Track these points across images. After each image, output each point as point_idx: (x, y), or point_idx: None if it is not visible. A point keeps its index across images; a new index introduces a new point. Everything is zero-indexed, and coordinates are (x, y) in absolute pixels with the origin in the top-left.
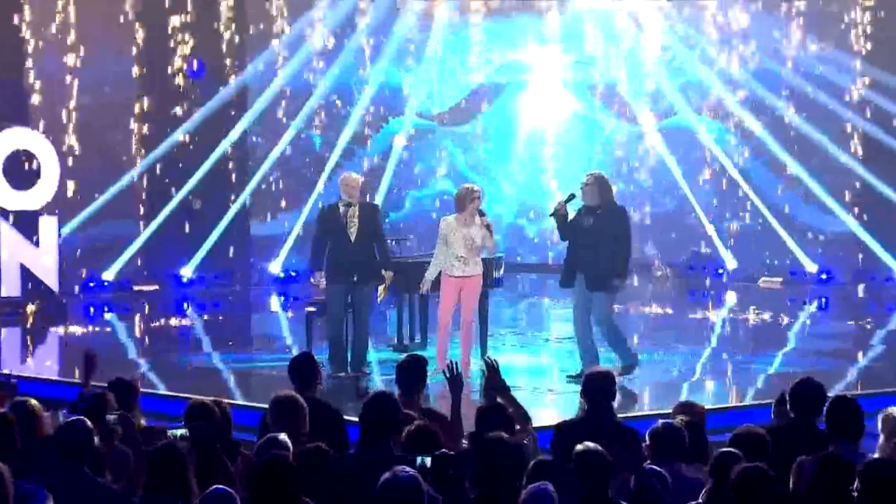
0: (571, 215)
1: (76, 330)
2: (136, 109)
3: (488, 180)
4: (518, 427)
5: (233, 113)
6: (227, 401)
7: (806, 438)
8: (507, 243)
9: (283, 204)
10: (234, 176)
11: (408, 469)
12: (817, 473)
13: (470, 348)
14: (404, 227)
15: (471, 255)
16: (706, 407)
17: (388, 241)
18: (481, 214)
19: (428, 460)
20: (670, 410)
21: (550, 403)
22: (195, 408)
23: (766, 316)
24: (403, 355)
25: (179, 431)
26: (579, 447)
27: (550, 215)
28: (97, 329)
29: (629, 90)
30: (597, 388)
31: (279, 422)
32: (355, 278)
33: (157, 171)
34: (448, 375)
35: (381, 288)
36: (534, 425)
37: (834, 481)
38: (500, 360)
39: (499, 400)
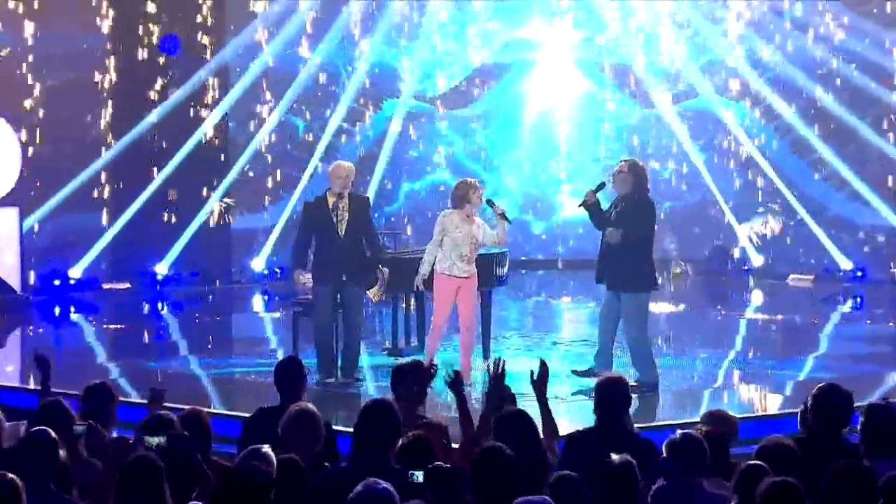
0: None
1: (40, 332)
2: (105, 90)
3: (489, 170)
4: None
5: (212, 95)
6: (206, 410)
7: (834, 451)
8: (511, 239)
9: (268, 195)
10: (213, 164)
11: (381, 482)
12: (833, 485)
13: (471, 352)
14: (396, 222)
15: (473, 255)
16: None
17: (381, 235)
18: (491, 204)
19: (421, 475)
20: (690, 420)
21: (559, 412)
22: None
23: (796, 316)
24: (399, 360)
25: (156, 440)
26: (607, 459)
27: (580, 206)
28: (63, 331)
29: (645, 70)
30: (609, 395)
31: (294, 437)
32: (344, 277)
33: (129, 159)
34: (447, 380)
35: (374, 288)
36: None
37: (852, 495)
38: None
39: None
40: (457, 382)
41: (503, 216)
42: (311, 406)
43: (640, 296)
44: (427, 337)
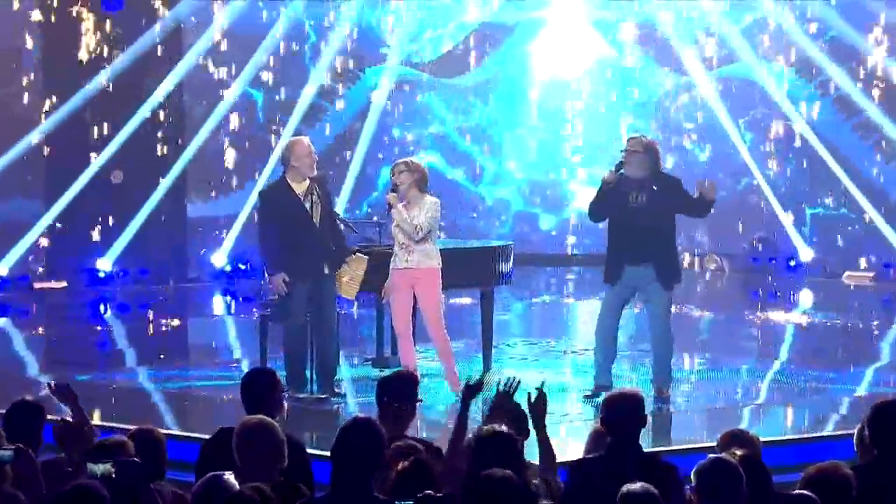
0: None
1: None
2: (36, 56)
3: (490, 152)
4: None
5: (162, 61)
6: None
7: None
8: (516, 235)
9: (229, 179)
10: (164, 142)
11: None
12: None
13: (450, 358)
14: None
15: (413, 243)
16: (772, 439)
17: (365, 225)
18: (394, 189)
19: None
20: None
21: (569, 433)
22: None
23: (853, 320)
24: (386, 371)
25: (101, 468)
26: (625, 489)
27: (601, 189)
28: None
29: (674, 30)
30: (620, 413)
31: (248, 456)
32: (326, 270)
33: (64, 136)
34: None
35: (344, 280)
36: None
37: None
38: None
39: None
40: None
41: (388, 206)
42: (264, 418)
43: (674, 290)
44: (399, 349)
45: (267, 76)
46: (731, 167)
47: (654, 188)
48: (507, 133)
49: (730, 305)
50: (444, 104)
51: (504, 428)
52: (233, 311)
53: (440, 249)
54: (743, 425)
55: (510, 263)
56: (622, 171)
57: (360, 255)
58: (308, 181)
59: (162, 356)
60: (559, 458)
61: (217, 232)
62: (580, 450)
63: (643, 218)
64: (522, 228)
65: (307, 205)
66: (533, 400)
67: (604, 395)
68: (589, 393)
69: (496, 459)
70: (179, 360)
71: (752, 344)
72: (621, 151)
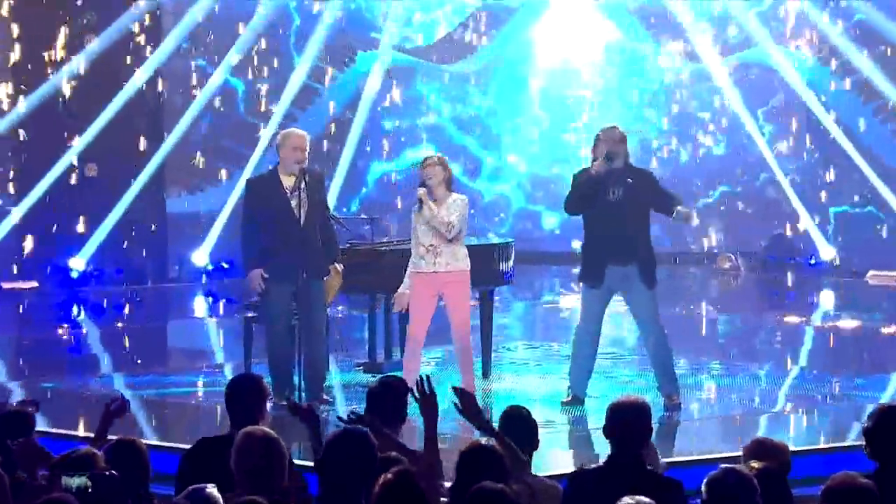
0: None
1: None
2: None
3: (489, 146)
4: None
5: (141, 46)
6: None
7: None
8: (517, 232)
9: (212, 173)
10: (142, 134)
11: None
12: None
13: (470, 370)
14: (366, 211)
15: (442, 244)
16: (792, 449)
17: (357, 221)
18: (422, 185)
19: None
20: (739, 452)
21: (569, 443)
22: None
23: (879, 323)
24: (377, 377)
25: (76, 481)
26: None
27: (587, 181)
28: None
29: (688, 13)
30: (625, 423)
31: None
32: (305, 274)
33: (35, 126)
34: (417, 396)
35: (328, 287)
36: (547, 473)
37: None
38: (506, 384)
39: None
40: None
41: (419, 202)
42: (268, 430)
43: (656, 288)
44: (405, 355)
45: (249, 63)
46: (748, 161)
47: (630, 181)
48: (508, 124)
49: (746, 307)
50: (439, 93)
51: (490, 441)
52: (215, 312)
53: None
54: (759, 435)
55: (511, 262)
56: (610, 162)
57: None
58: (295, 176)
59: (139, 361)
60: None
61: (198, 229)
62: (562, 458)
63: (623, 214)
64: (524, 225)
65: (293, 201)
66: (459, 406)
67: (610, 403)
68: (566, 400)
69: (481, 473)
70: (158, 365)
71: (769, 348)
72: (601, 141)
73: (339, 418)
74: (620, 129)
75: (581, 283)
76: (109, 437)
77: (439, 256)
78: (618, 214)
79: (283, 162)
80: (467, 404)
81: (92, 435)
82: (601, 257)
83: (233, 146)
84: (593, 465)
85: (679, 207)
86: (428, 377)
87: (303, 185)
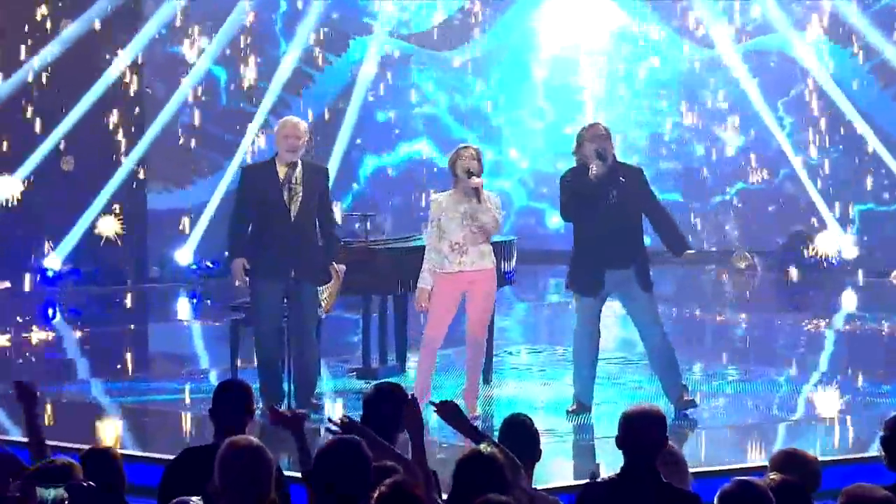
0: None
1: None
2: None
3: (489, 139)
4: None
5: (120, 31)
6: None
7: None
8: (519, 229)
9: (196, 166)
10: (122, 125)
11: None
12: None
13: (478, 374)
14: (361, 206)
15: (475, 242)
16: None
17: (351, 218)
18: (469, 176)
19: None
20: (755, 463)
21: (574, 452)
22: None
23: None
24: (373, 384)
25: (52, 493)
26: None
27: (583, 185)
28: None
29: None
30: (639, 433)
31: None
32: (293, 273)
33: (7, 117)
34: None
35: (325, 292)
36: (551, 485)
37: None
38: (508, 390)
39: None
40: (413, 412)
41: (475, 192)
42: (254, 439)
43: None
44: (419, 356)
45: (234, 51)
46: (766, 155)
47: (622, 179)
48: (509, 116)
49: (763, 308)
50: (436, 82)
51: (490, 449)
52: (199, 315)
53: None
54: (777, 445)
55: (513, 261)
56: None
57: (336, 267)
58: (288, 167)
59: (118, 366)
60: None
61: (181, 226)
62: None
63: (621, 215)
64: (527, 221)
65: (286, 193)
66: (440, 410)
67: (622, 412)
68: (572, 408)
69: (479, 484)
70: (139, 371)
71: (788, 352)
72: (587, 140)
73: (331, 420)
74: (603, 124)
75: (573, 291)
76: (80, 446)
77: (465, 255)
78: (616, 217)
79: (278, 151)
80: (448, 413)
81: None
82: (599, 263)
83: (218, 137)
84: (606, 477)
85: (682, 254)
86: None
87: (295, 175)
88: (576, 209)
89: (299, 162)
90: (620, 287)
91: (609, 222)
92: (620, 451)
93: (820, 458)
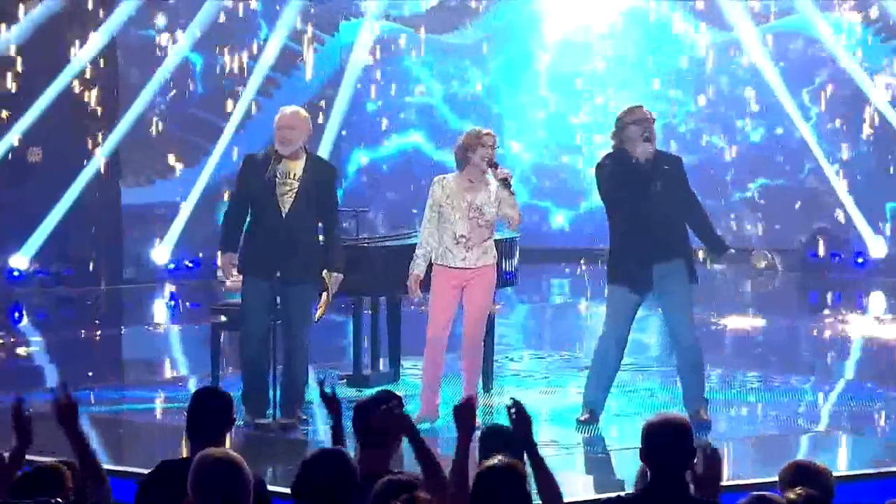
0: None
1: None
2: None
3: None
4: None
5: (90, 13)
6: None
7: None
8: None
9: (175, 158)
10: (94, 113)
11: None
12: None
13: (476, 378)
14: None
15: (480, 237)
16: (838, 474)
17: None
18: (492, 165)
19: None
20: (776, 478)
21: (585, 466)
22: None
23: None
24: (365, 392)
25: None
26: None
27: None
28: None
29: None
30: (667, 445)
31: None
32: (279, 273)
33: None
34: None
35: (322, 297)
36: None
37: None
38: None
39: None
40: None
41: (505, 182)
42: (230, 452)
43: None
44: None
45: (215, 34)
46: (790, 147)
47: (666, 167)
48: (510, 105)
49: (785, 311)
50: (431, 68)
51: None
52: (178, 318)
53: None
54: (800, 458)
55: (515, 260)
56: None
57: (331, 272)
58: (284, 160)
59: (90, 374)
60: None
61: (158, 222)
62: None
63: (666, 205)
64: (530, 218)
65: (276, 188)
66: (513, 419)
67: (645, 422)
68: (582, 417)
69: (502, 497)
70: (112, 378)
71: (812, 358)
72: (631, 124)
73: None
74: (647, 110)
75: (612, 285)
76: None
77: (470, 251)
78: (662, 206)
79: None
80: (466, 415)
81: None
82: (647, 256)
83: (198, 127)
84: (630, 493)
85: (720, 257)
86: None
87: (289, 169)
88: (620, 197)
89: (303, 155)
90: (663, 281)
91: (656, 212)
92: (645, 464)
93: (846, 473)
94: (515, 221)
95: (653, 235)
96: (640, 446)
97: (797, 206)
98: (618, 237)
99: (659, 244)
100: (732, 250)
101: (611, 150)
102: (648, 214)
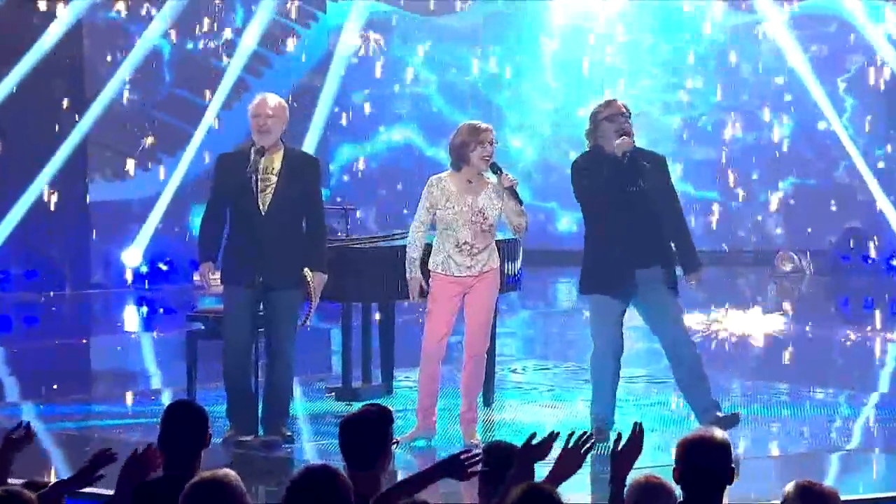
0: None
1: None
2: None
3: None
4: None
5: None
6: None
7: None
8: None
9: (147, 153)
10: (59, 103)
11: None
12: None
13: (476, 393)
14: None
15: (484, 242)
16: (870, 496)
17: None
18: (496, 170)
19: None
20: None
21: (593, 486)
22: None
23: None
24: (354, 406)
25: None
26: None
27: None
28: None
29: None
30: (706, 465)
31: None
32: (262, 278)
33: None
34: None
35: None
36: None
37: None
38: (512, 414)
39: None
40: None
41: (511, 191)
42: (230, 473)
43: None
44: (419, 376)
45: (189, 18)
46: (821, 143)
47: (647, 164)
48: (512, 96)
49: (812, 318)
50: (425, 55)
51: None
52: (150, 326)
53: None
54: (830, 477)
55: (518, 263)
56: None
57: (310, 272)
58: (263, 153)
59: (55, 387)
60: None
61: (129, 221)
62: None
63: (646, 205)
64: (535, 217)
65: (254, 184)
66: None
67: (682, 440)
68: (591, 433)
69: None
70: (79, 391)
71: (842, 369)
72: (604, 120)
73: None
74: (622, 102)
75: (592, 295)
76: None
77: (475, 258)
78: (641, 207)
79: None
80: (632, 450)
81: None
82: (626, 260)
83: (173, 118)
84: None
85: (694, 275)
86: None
87: (269, 165)
88: (595, 198)
89: (281, 148)
90: (643, 288)
91: (634, 214)
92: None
93: (880, 495)
94: (523, 229)
95: (630, 239)
96: (673, 465)
97: (827, 205)
98: (592, 241)
99: (637, 248)
100: (703, 270)
101: (587, 149)
102: (626, 216)
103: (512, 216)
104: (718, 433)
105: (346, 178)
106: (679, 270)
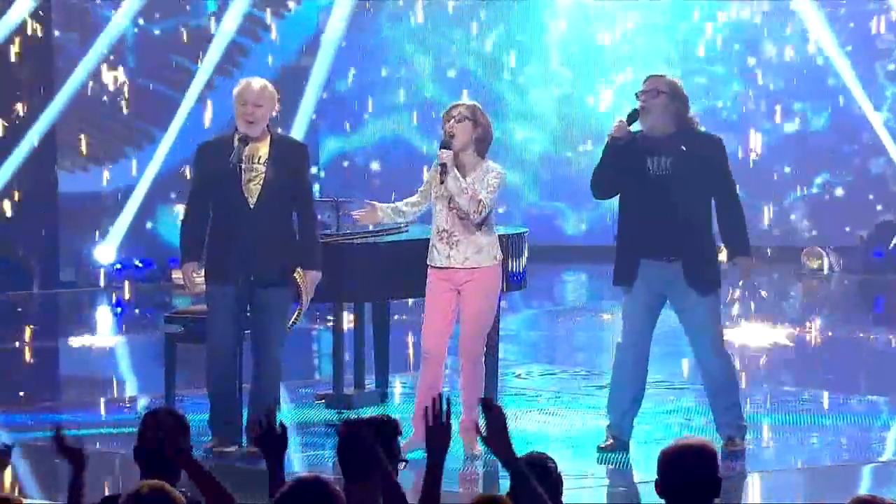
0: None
1: None
2: None
3: (491, 114)
4: None
5: None
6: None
7: None
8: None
9: (121, 141)
10: (26, 89)
11: None
12: None
13: (475, 401)
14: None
15: (464, 231)
16: None
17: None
18: (446, 146)
19: None
20: None
21: (607, 500)
22: None
23: None
24: (346, 415)
25: None
26: None
27: (606, 150)
28: None
29: None
30: (684, 474)
31: None
32: (253, 277)
33: None
34: (429, 422)
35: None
36: None
37: None
38: (513, 424)
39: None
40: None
41: (443, 168)
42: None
43: (718, 294)
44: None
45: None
46: (858, 137)
47: (684, 149)
48: (515, 83)
49: (843, 319)
50: (417, 39)
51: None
52: (124, 328)
53: (415, 240)
54: (863, 488)
55: (523, 260)
56: (636, 123)
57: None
58: (248, 143)
59: (22, 394)
60: None
61: (101, 216)
62: None
63: (668, 192)
64: (541, 212)
65: (241, 175)
66: (484, 430)
67: (661, 450)
68: (604, 444)
69: None
70: (48, 398)
71: (875, 375)
72: (638, 95)
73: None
74: (661, 79)
75: (621, 287)
76: None
77: (454, 248)
78: (659, 193)
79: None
80: (496, 426)
81: None
82: (634, 249)
83: (150, 105)
84: None
85: (741, 258)
86: (448, 400)
87: (250, 152)
88: (601, 178)
89: (268, 136)
90: (667, 286)
91: (650, 199)
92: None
93: None
94: (472, 213)
95: (644, 226)
96: (655, 478)
97: (849, 192)
98: (618, 228)
99: (649, 237)
100: (751, 259)
101: None
102: (641, 201)
103: (455, 196)
104: (701, 441)
105: (344, 165)
106: (723, 257)
